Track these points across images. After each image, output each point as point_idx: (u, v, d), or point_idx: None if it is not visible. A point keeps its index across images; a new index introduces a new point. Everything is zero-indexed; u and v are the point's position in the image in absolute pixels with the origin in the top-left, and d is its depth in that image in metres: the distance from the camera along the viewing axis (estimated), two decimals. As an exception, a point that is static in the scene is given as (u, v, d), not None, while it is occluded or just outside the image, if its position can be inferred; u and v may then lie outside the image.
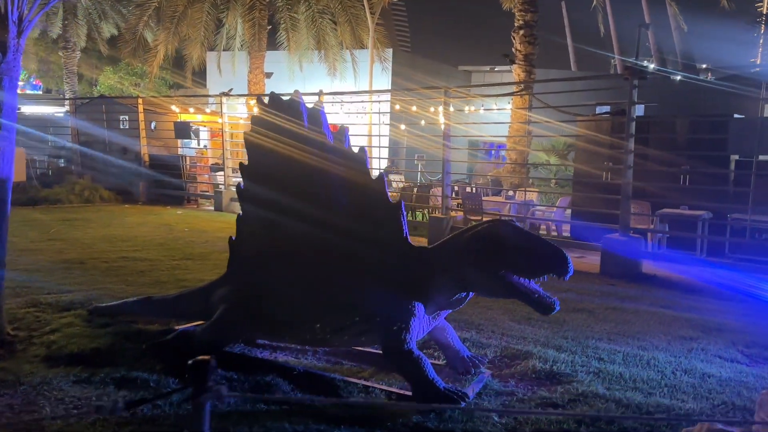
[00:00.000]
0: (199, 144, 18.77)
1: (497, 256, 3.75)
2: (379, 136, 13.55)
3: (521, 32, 13.92)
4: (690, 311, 6.47)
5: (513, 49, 14.12)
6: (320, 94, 12.38)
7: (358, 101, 14.25)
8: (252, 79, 17.41)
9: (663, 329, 5.75)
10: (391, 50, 21.37)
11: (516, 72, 13.93)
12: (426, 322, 4.08)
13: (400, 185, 13.97)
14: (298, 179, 4.41)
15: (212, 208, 14.51)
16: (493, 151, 20.11)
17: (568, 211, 11.75)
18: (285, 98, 4.57)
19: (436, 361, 4.59)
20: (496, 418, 3.63)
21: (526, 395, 4.04)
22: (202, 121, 17.02)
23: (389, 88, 18.99)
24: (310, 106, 4.45)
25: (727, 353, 5.04)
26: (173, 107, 15.64)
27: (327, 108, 13.13)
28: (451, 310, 4.20)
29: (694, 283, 7.83)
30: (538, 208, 11.76)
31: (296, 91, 4.59)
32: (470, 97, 11.76)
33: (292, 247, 4.44)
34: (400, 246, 4.13)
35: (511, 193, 12.30)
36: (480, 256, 3.80)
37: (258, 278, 4.46)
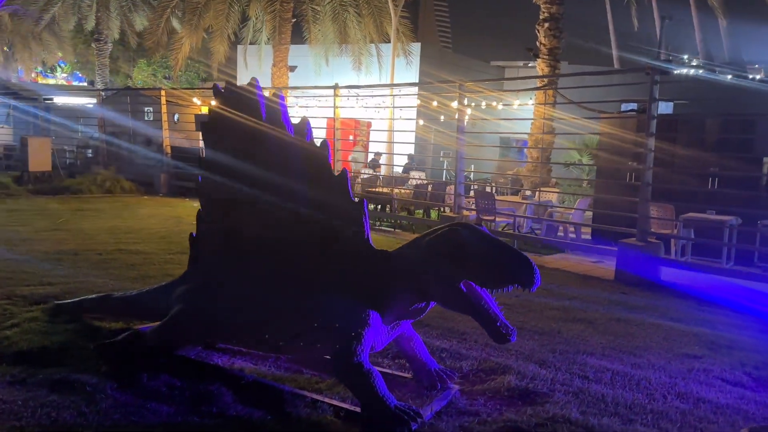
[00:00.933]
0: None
1: (456, 264, 3.40)
2: (400, 131, 13.23)
3: (546, 25, 13.34)
4: (701, 325, 5.96)
5: (537, 43, 13.58)
6: (335, 87, 12.10)
7: (378, 95, 13.90)
8: (275, 72, 17.26)
9: (666, 345, 5.28)
10: (419, 44, 20.94)
11: (540, 67, 13.36)
12: (383, 333, 3.75)
13: (416, 182, 13.58)
14: (254, 175, 4.12)
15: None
16: (525, 150, 19.55)
17: (589, 214, 11.20)
18: (242, 88, 4.28)
19: (404, 374, 4.26)
20: (447, 443, 3.29)
21: (491, 417, 3.67)
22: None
23: (415, 83, 18.51)
24: (268, 96, 4.15)
25: (731, 375, 4.56)
26: (195, 100, 15.59)
27: (343, 102, 12.91)
28: (412, 320, 3.85)
29: (714, 295, 7.27)
30: (557, 209, 11.24)
31: (253, 79, 4.29)
32: (488, 91, 11.31)
33: (248, 247, 4.17)
34: (361, 249, 3.81)
35: (528, 192, 11.80)
36: (437, 264, 3.46)
37: (214, 279, 4.20)
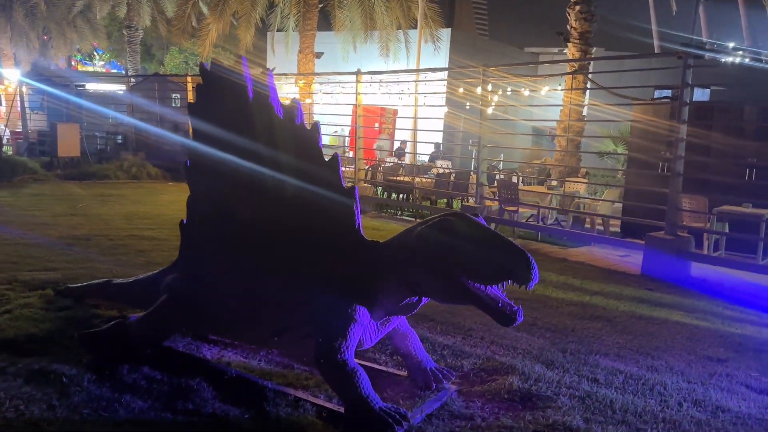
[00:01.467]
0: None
1: (448, 257, 3.14)
2: (426, 119, 12.89)
3: (577, 8, 12.79)
4: (729, 326, 5.57)
5: (568, 27, 13.05)
6: (357, 73, 11.84)
7: (403, 81, 13.55)
8: (301, 59, 17.06)
9: (688, 346, 4.92)
10: (448, 31, 20.49)
11: (570, 51, 12.85)
12: (373, 330, 3.52)
13: (439, 171, 13.26)
14: (241, 160, 3.91)
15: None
16: (555, 139, 18.99)
17: (619, 206, 10.74)
18: (229, 67, 4.06)
19: (399, 372, 4.02)
20: (432, 450, 3.04)
21: (486, 421, 3.41)
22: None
23: (438, 68, 18.12)
24: (256, 76, 3.92)
25: (757, 382, 4.19)
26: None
27: (366, 89, 12.64)
28: (404, 316, 3.60)
29: (746, 293, 6.82)
30: (584, 200, 10.81)
31: (242, 58, 4.07)
32: (513, 77, 10.89)
33: (235, 235, 3.96)
34: (351, 239, 3.57)
35: (555, 183, 11.36)
36: (428, 256, 3.20)
37: (202, 268, 4.02)
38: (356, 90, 11.91)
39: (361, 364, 4.04)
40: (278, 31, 19.52)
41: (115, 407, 3.25)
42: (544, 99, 12.30)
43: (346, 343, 3.28)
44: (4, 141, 22.14)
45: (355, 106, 12.09)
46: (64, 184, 13.50)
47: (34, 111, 21.79)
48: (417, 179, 12.17)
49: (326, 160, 3.67)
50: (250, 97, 3.84)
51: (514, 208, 10.15)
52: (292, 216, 3.75)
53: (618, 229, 10.86)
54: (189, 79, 15.63)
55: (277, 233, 3.77)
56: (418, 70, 13.70)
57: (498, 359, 4.32)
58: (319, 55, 17.93)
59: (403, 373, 3.97)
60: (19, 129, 21.13)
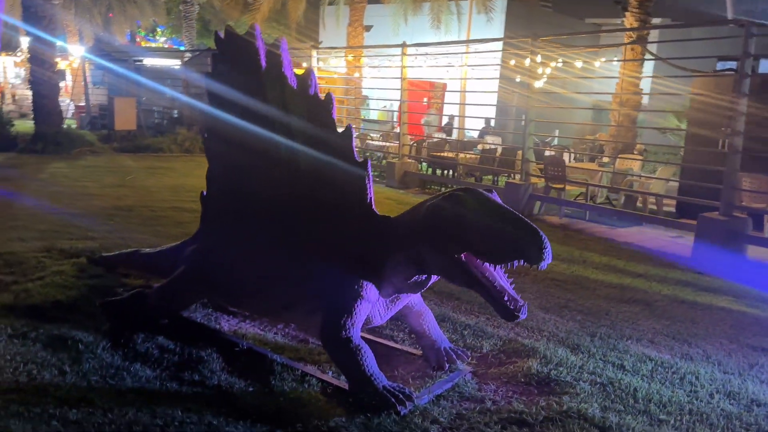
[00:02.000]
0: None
1: (455, 234, 2.99)
2: (475, 92, 12.50)
3: (636, -25, 12.09)
4: (781, 314, 5.19)
5: (626, -5, 12.37)
6: (403, 45, 11.61)
7: (453, 53, 13.20)
8: (350, 32, 16.90)
9: (731, 334, 4.61)
10: (504, 0, 19.82)
11: (628, 21, 12.17)
12: (382, 307, 3.42)
13: (488, 148, 12.92)
14: (255, 130, 3.84)
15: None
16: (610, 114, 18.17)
17: (675, 185, 10.21)
18: (243, 36, 3.97)
19: (414, 350, 3.92)
20: (433, 433, 2.94)
21: (496, 405, 3.27)
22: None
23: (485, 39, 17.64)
24: (269, 45, 3.82)
25: (803, 376, 3.88)
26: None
27: (414, 62, 12.39)
28: (412, 294, 3.48)
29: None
30: (636, 178, 10.31)
31: (253, 25, 3.97)
32: (562, 50, 10.41)
33: (249, 208, 3.92)
34: (362, 213, 3.46)
35: (606, 159, 10.87)
36: (436, 233, 3.06)
37: (218, 240, 4.01)
38: (402, 63, 11.69)
39: (375, 341, 4.01)
40: (329, 4, 19.38)
41: (123, 375, 3.28)
42: (599, 72, 11.72)
43: (352, 320, 3.20)
44: (69, 115, 23.07)
45: (402, 80, 11.88)
46: (119, 157, 13.88)
47: (96, 86, 22.47)
48: (461, 155, 11.90)
49: (339, 131, 3.56)
50: (262, 67, 3.76)
51: (561, 186, 9.78)
52: (303, 188, 3.67)
53: (673, 209, 10.34)
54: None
55: (289, 206, 3.71)
56: (464, 42, 13.32)
57: (520, 341, 4.16)
58: (368, 28, 17.71)
59: (418, 352, 3.87)
60: (83, 103, 21.89)
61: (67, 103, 24.63)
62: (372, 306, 3.33)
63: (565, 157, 13.23)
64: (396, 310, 3.53)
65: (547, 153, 12.29)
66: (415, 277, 3.25)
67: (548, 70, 12.03)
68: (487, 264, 3.04)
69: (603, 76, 12.43)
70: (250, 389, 3.26)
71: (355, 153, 3.51)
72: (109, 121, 16.94)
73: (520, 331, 4.40)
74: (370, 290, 3.27)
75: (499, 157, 11.66)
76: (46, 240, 5.98)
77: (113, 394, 3.08)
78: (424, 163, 12.89)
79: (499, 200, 3.08)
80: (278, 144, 3.73)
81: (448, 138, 14.25)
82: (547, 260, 2.83)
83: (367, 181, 3.45)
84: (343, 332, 3.16)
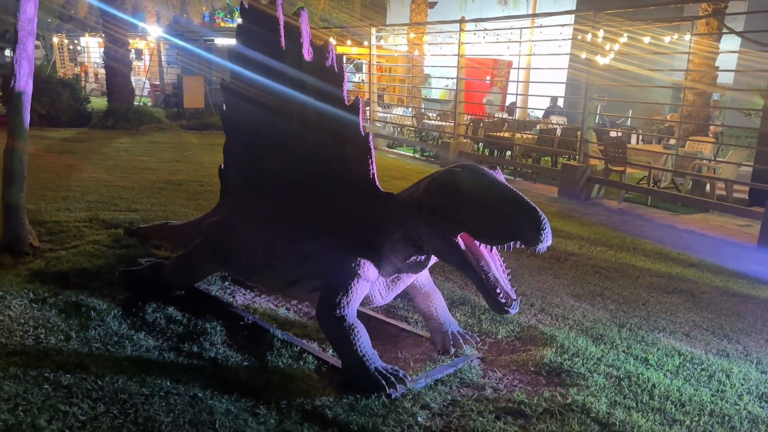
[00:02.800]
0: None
1: (450, 213, 2.83)
2: (540, 69, 11.96)
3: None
4: None
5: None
6: (461, 21, 11.28)
7: (515, 27, 12.69)
8: (414, 9, 16.60)
9: (781, 332, 4.21)
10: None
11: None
12: (382, 286, 3.31)
13: (549, 127, 12.42)
14: (270, 103, 3.79)
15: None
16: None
17: (747, 170, 9.48)
18: (265, 7, 3.89)
19: (423, 333, 3.79)
20: (420, 419, 2.81)
21: (496, 393, 3.11)
22: (357, 54, 16.78)
23: (573, 17, 16.97)
24: (288, 15, 3.74)
25: None
26: (331, 39, 15.53)
27: (470, 38, 12.03)
28: (413, 274, 3.34)
29: None
30: (705, 162, 9.63)
31: (271, -4, 3.88)
32: (625, 26, 9.75)
33: (260, 182, 3.89)
34: (364, 189, 3.35)
35: (673, 141, 10.17)
36: (430, 211, 2.91)
37: (232, 214, 3.99)
38: (459, 39, 11.38)
39: (386, 322, 3.90)
40: (395, -19, 19.14)
41: (124, 344, 3.33)
42: (671, 48, 10.97)
43: (347, 299, 3.10)
44: (145, 93, 24.01)
45: (467, 58, 11.55)
46: (184, 134, 14.31)
47: (170, 65, 23.26)
48: (517, 135, 11.49)
49: (347, 104, 3.44)
50: (280, 37, 3.69)
51: (622, 168, 9.28)
52: (310, 163, 3.60)
53: (746, 196, 9.61)
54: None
55: (296, 180, 3.65)
56: (525, 16, 12.79)
57: (540, 329, 3.94)
58: (432, 5, 17.37)
59: (427, 334, 3.74)
60: (159, 82, 22.72)
61: (143, 81, 25.67)
62: (371, 285, 3.22)
63: (633, 138, 12.58)
64: (399, 290, 3.41)
65: (612, 134, 11.70)
66: (413, 257, 3.11)
67: (616, 47, 11.42)
68: (486, 249, 2.87)
69: (676, 52, 11.63)
70: (245, 363, 3.24)
71: (362, 126, 3.39)
72: (179, 99, 17.48)
73: (542, 318, 4.18)
74: (368, 269, 3.16)
75: (558, 138, 11.18)
76: (91, 210, 6.21)
77: (110, 361, 3.13)
78: (480, 144, 12.57)
79: (501, 178, 2.89)
80: (291, 117, 3.66)
81: (505, 117, 13.80)
82: (546, 242, 2.62)
83: (369, 156, 3.33)
84: (338, 310, 3.07)
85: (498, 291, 2.83)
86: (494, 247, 2.85)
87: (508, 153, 11.85)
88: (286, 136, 3.71)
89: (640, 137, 12.25)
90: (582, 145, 9.51)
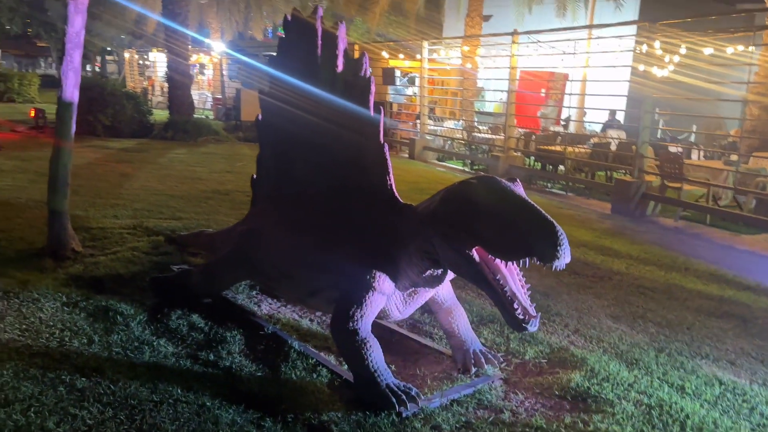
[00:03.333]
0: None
1: (465, 226, 2.73)
2: (597, 82, 11.58)
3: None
4: None
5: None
6: (513, 34, 11.12)
7: (569, 39, 12.42)
8: (468, 23, 16.53)
9: (841, 364, 3.87)
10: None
11: (772, 2, 10.72)
12: (399, 300, 3.22)
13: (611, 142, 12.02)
14: (300, 113, 3.79)
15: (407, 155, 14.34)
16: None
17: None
18: (305, 19, 3.91)
19: (445, 350, 3.67)
20: (427, 440, 2.71)
21: (514, 417, 2.96)
22: (409, 67, 16.78)
23: (635, 29, 16.52)
24: (327, 27, 3.73)
25: None
26: (384, 53, 15.63)
27: (524, 50, 11.83)
28: (430, 289, 3.24)
29: None
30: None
31: (317, 7, 3.89)
32: (684, 37, 9.35)
33: (286, 192, 3.90)
34: (382, 200, 3.29)
35: (735, 158, 9.65)
36: (445, 224, 2.81)
37: (260, 223, 4.01)
38: (511, 52, 11.21)
39: (409, 338, 3.81)
40: (452, -5, 19.12)
41: (143, 349, 3.36)
42: (733, 59, 10.46)
43: (361, 312, 3.03)
44: (208, 106, 24.77)
45: (523, 71, 11.36)
46: (239, 146, 14.62)
47: (232, 79, 23.93)
48: (569, 149, 11.18)
49: (371, 114, 3.40)
50: (317, 49, 3.69)
51: (679, 185, 8.87)
52: (332, 173, 3.57)
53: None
54: (356, 47, 15.93)
55: (319, 190, 3.63)
56: (577, 28, 12.47)
57: (571, 350, 3.76)
58: (487, 18, 17.23)
59: (450, 352, 3.62)
60: (221, 96, 23.41)
61: (207, 95, 26.49)
62: (387, 299, 3.15)
63: (694, 154, 12.05)
64: (417, 305, 3.32)
65: (671, 149, 11.22)
66: (430, 271, 3.02)
67: (676, 58, 11.00)
68: (503, 264, 2.75)
69: (739, 63, 11.08)
70: (258, 374, 3.21)
71: (381, 135, 3.34)
72: (237, 112, 17.94)
73: (575, 339, 3.99)
74: (384, 282, 3.08)
75: (614, 153, 10.81)
76: (137, 218, 6.38)
77: (127, 366, 3.16)
78: (532, 158, 12.30)
79: (519, 190, 2.77)
80: (318, 126, 3.65)
81: (557, 131, 13.46)
82: (564, 259, 2.48)
83: (387, 165, 3.28)
84: (351, 323, 3.01)
85: (515, 306, 2.70)
86: (506, 263, 2.73)
87: (561, 167, 11.55)
88: (312, 145, 3.70)
89: (701, 153, 11.70)
90: (637, 160, 9.15)
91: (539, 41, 12.30)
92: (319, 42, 3.75)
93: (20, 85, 24.40)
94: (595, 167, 11.01)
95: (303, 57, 3.83)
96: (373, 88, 3.47)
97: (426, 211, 2.98)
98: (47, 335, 3.44)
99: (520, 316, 2.69)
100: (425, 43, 13.72)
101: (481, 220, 2.67)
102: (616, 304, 4.79)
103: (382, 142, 3.30)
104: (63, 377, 2.98)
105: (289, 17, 4.02)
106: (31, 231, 5.49)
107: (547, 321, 4.27)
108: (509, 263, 2.75)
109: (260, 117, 4.23)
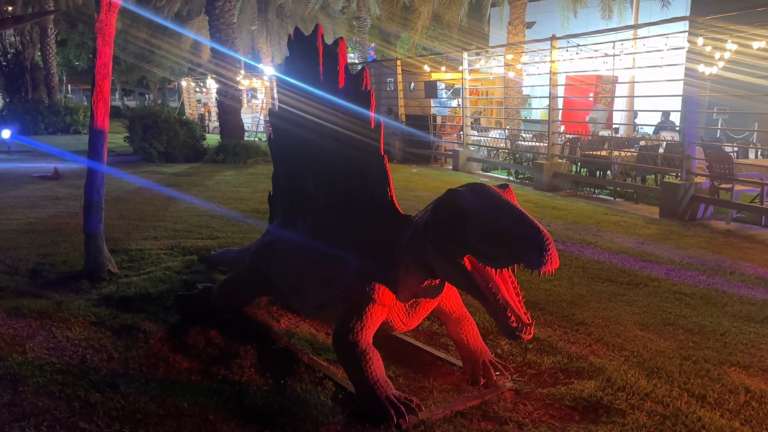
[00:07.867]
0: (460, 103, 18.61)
1: (454, 234, 2.71)
2: (646, 83, 11.25)
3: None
4: None
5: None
6: (552, 39, 10.95)
7: (611, 41, 12.09)
8: (511, 30, 16.36)
9: None
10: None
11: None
12: (401, 311, 3.21)
13: (648, 144, 11.62)
14: (306, 129, 3.85)
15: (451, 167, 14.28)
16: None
17: None
18: (307, 37, 3.99)
19: (456, 361, 3.63)
20: (423, 452, 2.68)
21: (518, 429, 2.89)
22: (451, 79, 16.73)
23: (684, 27, 16.01)
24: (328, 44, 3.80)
25: None
26: (426, 67, 15.67)
27: (563, 54, 11.61)
28: (432, 299, 3.21)
29: None
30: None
31: (317, 26, 3.96)
32: (734, 32, 8.93)
33: (296, 207, 3.96)
34: (383, 211, 3.31)
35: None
36: (436, 233, 2.80)
37: (274, 239, 4.09)
38: (551, 57, 11.04)
39: (421, 349, 3.79)
40: (492, 6, 18.99)
41: (158, 365, 3.47)
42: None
43: (361, 324, 3.04)
44: (261, 128, 25.41)
45: (551, 74, 11.19)
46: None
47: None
48: (615, 153, 10.86)
49: (371, 127, 3.43)
50: (319, 66, 3.76)
51: (729, 186, 8.47)
52: (337, 186, 3.61)
53: None
54: (398, 62, 16.05)
55: (325, 204, 3.68)
56: (618, 29, 12.14)
57: (590, 360, 3.64)
58: (530, 25, 17.03)
59: (460, 362, 3.57)
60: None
61: (259, 118, 27.20)
62: (389, 311, 3.14)
63: (751, 153, 11.51)
64: (422, 316, 3.30)
65: (732, 149, 10.75)
66: (427, 282, 3.00)
67: (726, 55, 10.57)
68: (496, 272, 2.71)
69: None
70: (265, 387, 3.26)
71: (382, 147, 3.36)
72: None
73: (596, 348, 3.86)
74: (384, 293, 3.08)
75: (662, 155, 10.43)
76: (175, 239, 6.60)
77: (140, 382, 3.27)
78: (578, 163, 12.02)
79: (509, 197, 2.73)
80: (323, 142, 3.71)
81: (603, 135, 13.09)
82: (549, 264, 2.43)
83: (387, 176, 3.30)
84: (351, 335, 3.02)
85: (508, 314, 2.65)
86: (503, 270, 2.69)
87: (609, 172, 11.23)
88: (318, 160, 3.76)
89: (759, 152, 11.14)
90: (685, 161, 8.81)
91: (579, 45, 12.05)
92: (320, 59, 3.81)
93: (85, 117, 25.72)
94: (642, 171, 10.65)
95: (306, 74, 3.90)
96: (373, 102, 3.50)
97: (420, 221, 2.98)
98: (71, 353, 3.60)
99: (513, 324, 2.64)
100: (465, 54, 13.68)
101: (468, 229, 2.64)
102: (647, 312, 4.61)
103: (382, 154, 3.32)
104: (78, 392, 3.11)
105: (292, 36, 4.10)
106: (74, 255, 5.76)
107: (570, 330, 4.16)
108: (502, 271, 2.70)
109: (271, 135, 4.32)
